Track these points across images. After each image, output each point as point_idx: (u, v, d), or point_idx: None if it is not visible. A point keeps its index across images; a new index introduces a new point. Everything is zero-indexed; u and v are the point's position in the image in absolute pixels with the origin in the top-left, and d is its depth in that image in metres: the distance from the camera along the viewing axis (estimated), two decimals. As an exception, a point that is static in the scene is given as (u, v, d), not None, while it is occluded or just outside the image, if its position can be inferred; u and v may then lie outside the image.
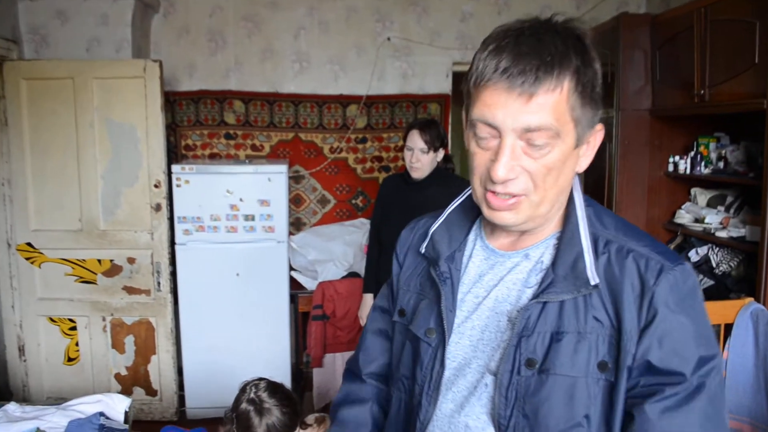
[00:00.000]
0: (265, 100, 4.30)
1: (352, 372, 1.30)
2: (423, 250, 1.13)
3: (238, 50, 4.27)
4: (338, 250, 4.03)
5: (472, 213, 1.12)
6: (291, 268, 3.93)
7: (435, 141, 2.91)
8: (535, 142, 0.90)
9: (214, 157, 4.29)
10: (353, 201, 4.51)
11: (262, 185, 3.67)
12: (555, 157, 0.92)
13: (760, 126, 3.41)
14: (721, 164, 3.43)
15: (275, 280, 3.75)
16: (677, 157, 3.62)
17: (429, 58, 4.44)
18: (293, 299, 3.88)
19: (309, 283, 3.90)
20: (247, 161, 3.96)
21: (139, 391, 3.71)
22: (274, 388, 2.04)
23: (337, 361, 3.76)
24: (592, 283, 0.93)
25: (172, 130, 4.21)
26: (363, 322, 3.26)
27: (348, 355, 3.82)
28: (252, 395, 2.02)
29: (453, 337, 1.03)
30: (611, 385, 0.91)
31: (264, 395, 2.02)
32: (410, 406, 1.09)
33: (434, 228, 1.14)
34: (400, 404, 1.13)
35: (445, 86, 4.49)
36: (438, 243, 1.10)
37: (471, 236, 1.11)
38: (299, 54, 4.34)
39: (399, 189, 3.09)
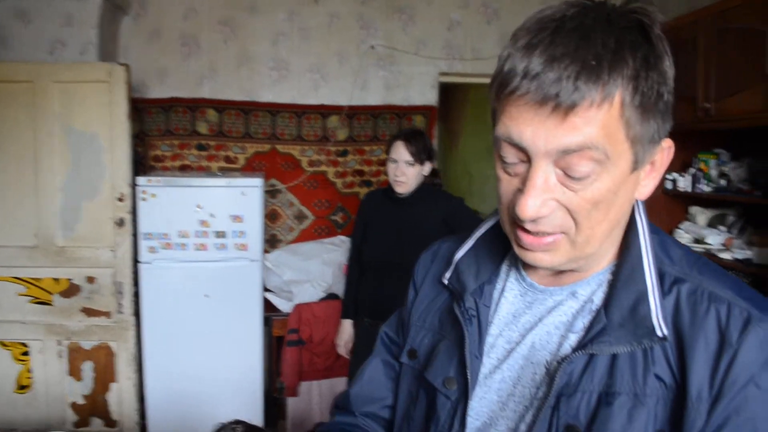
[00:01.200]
0: (241, 110, 4.06)
1: (341, 408, 1.05)
2: (446, 281, 0.93)
3: (213, 56, 4.03)
4: (316, 269, 3.78)
5: (506, 238, 0.85)
6: (265, 289, 3.67)
7: (422, 153, 2.69)
8: (575, 171, 0.69)
9: (184, 169, 4.03)
10: (332, 217, 4.27)
11: (235, 200, 3.41)
12: (603, 186, 0.71)
13: (764, 142, 3.25)
14: (723, 182, 3.25)
15: (248, 302, 3.49)
16: (675, 174, 3.44)
17: (414, 68, 4.24)
18: (267, 322, 3.62)
19: (284, 305, 3.65)
20: (219, 174, 3.71)
21: (97, 422, 3.41)
22: None
23: (313, 390, 3.50)
24: (659, 333, 0.72)
25: (139, 139, 3.95)
26: (341, 350, 3.01)
27: (327, 383, 3.58)
28: None
29: (478, 390, 0.84)
30: None
31: None
32: None
33: (460, 255, 0.93)
34: None
35: (430, 97, 4.28)
36: (464, 273, 0.90)
37: (504, 267, 0.90)
38: (278, 61, 4.11)
39: (382, 205, 2.86)
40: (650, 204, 2.88)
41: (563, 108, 0.67)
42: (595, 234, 0.74)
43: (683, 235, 3.41)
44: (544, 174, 0.70)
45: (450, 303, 0.91)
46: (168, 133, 3.99)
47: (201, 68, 4.02)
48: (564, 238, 0.74)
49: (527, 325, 0.84)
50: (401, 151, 2.66)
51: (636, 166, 0.73)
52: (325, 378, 3.51)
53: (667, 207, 3.52)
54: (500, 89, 0.71)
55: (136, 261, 3.37)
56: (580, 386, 0.75)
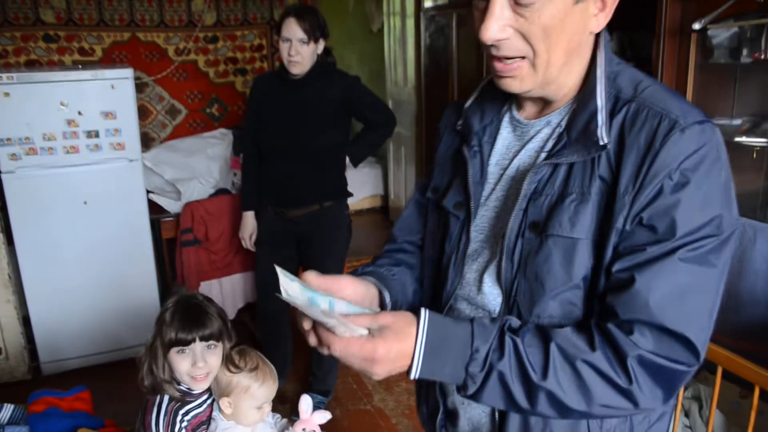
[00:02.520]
0: (91, -7, 3.59)
1: (389, 241, 1.26)
2: (459, 127, 1.11)
3: (49, -71, 3.47)
4: (200, 166, 3.57)
5: None
6: (147, 191, 3.42)
7: (315, 30, 2.53)
8: None
9: (32, 64, 3.54)
10: (208, 110, 4.01)
11: (104, 94, 3.07)
12: (548, 13, 0.84)
13: (634, 14, 3.41)
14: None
15: (131, 205, 3.24)
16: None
17: (282, -57, 3.94)
18: (154, 225, 3.40)
19: (171, 206, 3.44)
20: (79, 66, 3.30)
21: (-24, 352, 3.11)
22: None
23: (213, 288, 3.39)
24: (601, 143, 0.88)
25: (-29, 31, 3.39)
26: (246, 243, 2.91)
27: (227, 280, 3.48)
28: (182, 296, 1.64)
29: (480, 210, 1.03)
30: (600, 244, 0.87)
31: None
32: (437, 280, 1.08)
33: (468, 104, 1.10)
34: (430, 281, 1.13)
35: (302, -25, 4.03)
36: (470, 118, 1.07)
37: (504, 109, 1.07)
38: (128, -65, 3.63)
39: (275, 89, 2.69)
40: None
41: None
42: (551, 59, 0.88)
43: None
44: (499, 2, 0.84)
45: (461, 145, 1.08)
46: (7, 24, 3.44)
47: (36, -56, 3.46)
48: (526, 63, 0.88)
49: (514, 153, 1.01)
50: (294, 29, 2.49)
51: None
52: (225, 276, 3.41)
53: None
54: None
55: (-4, 172, 2.98)
56: (543, 191, 0.92)
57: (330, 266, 2.74)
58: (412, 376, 0.85)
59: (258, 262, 2.88)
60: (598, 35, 0.93)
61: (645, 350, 0.81)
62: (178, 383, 1.58)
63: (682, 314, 0.82)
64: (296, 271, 2.85)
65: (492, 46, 0.87)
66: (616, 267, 0.85)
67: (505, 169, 1.01)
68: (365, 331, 0.83)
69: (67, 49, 3.60)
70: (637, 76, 0.93)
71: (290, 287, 0.88)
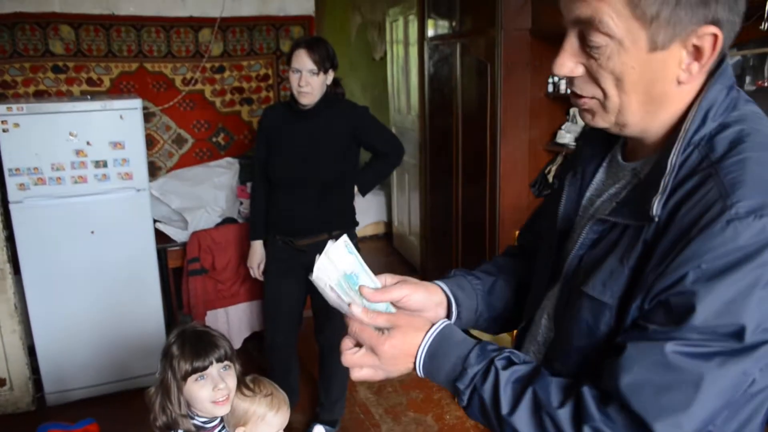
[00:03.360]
0: (100, 25, 3.63)
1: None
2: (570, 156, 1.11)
3: (59, -37, 3.53)
4: (207, 195, 3.58)
5: None
6: (154, 220, 3.42)
7: (325, 61, 2.54)
8: (590, 40, 0.81)
9: (40, 95, 3.57)
10: (214, 139, 4.03)
11: (113, 124, 3.09)
12: (620, 60, 0.81)
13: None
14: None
15: (138, 235, 3.24)
16: (556, 78, 3.58)
17: (288, -25, 4.00)
18: (160, 254, 3.40)
19: (178, 235, 3.44)
20: (88, 97, 3.33)
21: (-20, 382, 3.09)
22: None
23: (219, 318, 3.38)
24: (651, 213, 0.80)
25: (-19, 63, 3.43)
26: (254, 272, 2.90)
27: (234, 309, 3.47)
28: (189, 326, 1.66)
29: (573, 235, 1.00)
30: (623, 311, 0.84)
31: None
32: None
33: (586, 128, 1.08)
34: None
35: (307, 6, 4.09)
36: (585, 144, 1.05)
37: (618, 140, 1.01)
38: (136, -32, 3.69)
39: (284, 119, 2.70)
40: (533, 107, 3.00)
41: None
42: (624, 105, 0.84)
43: (564, 135, 3.60)
44: (571, 40, 0.84)
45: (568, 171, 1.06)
46: (16, 55, 3.48)
47: (46, -23, 3.51)
48: (596, 103, 0.86)
49: (600, 192, 0.98)
50: (304, 60, 2.51)
51: (654, 46, 0.79)
52: (231, 305, 3.40)
53: (548, 109, 3.68)
54: None
55: (4, 201, 2.99)
56: (598, 245, 0.89)
57: None
58: (418, 374, 0.94)
59: (266, 292, 2.87)
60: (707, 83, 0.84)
61: (605, 426, 0.78)
62: (192, 417, 1.57)
63: (656, 405, 0.75)
64: (304, 300, 2.84)
65: (569, 79, 0.87)
66: (621, 334, 0.82)
67: (591, 206, 0.98)
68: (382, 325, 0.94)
69: (75, 79, 3.63)
70: (745, 134, 0.80)
71: (340, 259, 1.00)
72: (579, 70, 0.85)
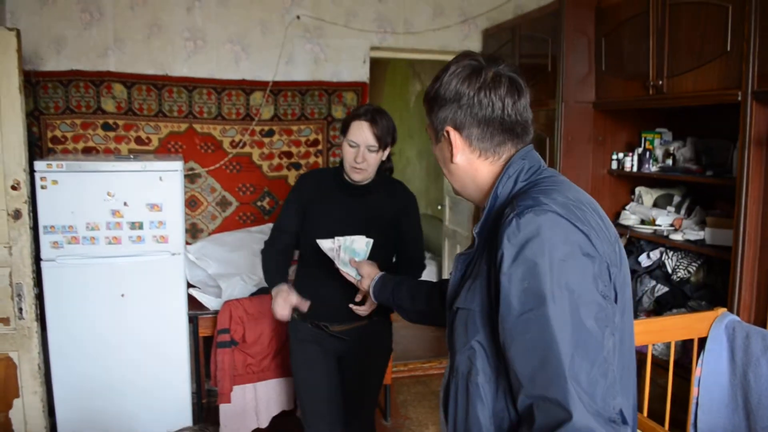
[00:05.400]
0: (152, 84, 3.63)
1: None
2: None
3: (119, 24, 3.56)
4: (245, 261, 3.44)
5: None
6: (188, 285, 3.30)
7: (386, 136, 2.26)
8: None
9: (89, 152, 3.57)
10: (259, 203, 3.93)
11: (151, 186, 3.01)
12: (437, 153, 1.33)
13: (707, 121, 3.20)
14: (669, 162, 3.18)
15: (170, 300, 3.11)
16: (621, 154, 3.35)
17: (344, 41, 3.95)
18: (191, 321, 3.26)
19: (211, 302, 3.29)
20: (131, 157, 3.28)
21: (-3, 445, 2.96)
22: None
23: (247, 394, 3.18)
24: (474, 233, 1.21)
25: (35, 118, 3.45)
26: (280, 315, 2.35)
27: (262, 386, 3.24)
28: None
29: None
30: (492, 315, 1.11)
31: None
32: None
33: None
34: None
35: (362, 73, 4.01)
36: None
37: None
38: (193, 31, 3.70)
39: (332, 190, 2.40)
40: (595, 185, 2.80)
41: None
42: (452, 179, 1.31)
43: (629, 216, 3.33)
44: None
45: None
46: (68, 111, 3.50)
47: (105, 38, 3.55)
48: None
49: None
50: (366, 135, 2.23)
51: (435, 140, 1.30)
52: (260, 380, 3.19)
53: (611, 188, 3.44)
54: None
55: (37, 258, 2.92)
56: (465, 275, 1.23)
57: (372, 383, 2.53)
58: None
59: (294, 371, 2.59)
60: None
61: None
62: None
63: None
64: (337, 385, 2.52)
65: None
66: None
67: None
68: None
69: (124, 137, 3.61)
70: (537, 181, 1.19)
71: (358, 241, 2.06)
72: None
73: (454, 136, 1.21)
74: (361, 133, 2.23)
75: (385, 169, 2.45)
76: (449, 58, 1.31)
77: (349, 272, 2.05)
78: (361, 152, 2.24)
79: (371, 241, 2.09)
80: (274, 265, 2.45)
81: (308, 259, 2.42)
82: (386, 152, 2.34)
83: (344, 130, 2.30)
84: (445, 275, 5.45)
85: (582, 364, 0.96)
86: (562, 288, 0.99)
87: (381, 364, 2.56)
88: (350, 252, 2.07)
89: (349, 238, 2.07)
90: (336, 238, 2.08)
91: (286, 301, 2.31)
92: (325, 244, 2.12)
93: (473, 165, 1.24)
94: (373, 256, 2.19)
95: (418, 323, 1.86)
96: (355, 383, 2.50)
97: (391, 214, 2.40)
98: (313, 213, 2.40)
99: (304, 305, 2.33)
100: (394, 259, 2.51)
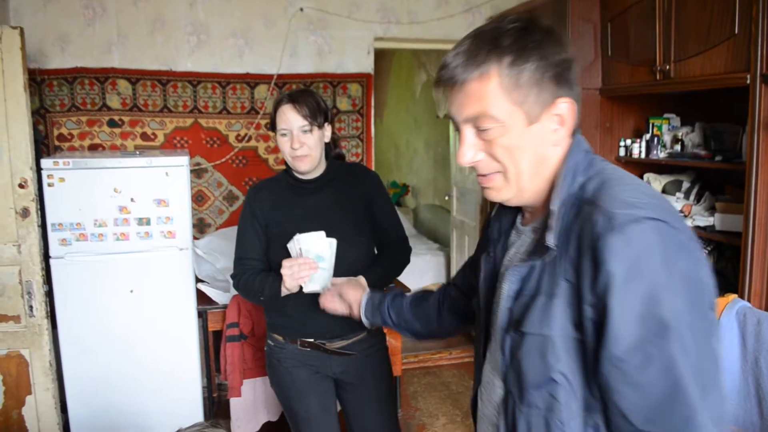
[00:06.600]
0: (157, 80, 3.63)
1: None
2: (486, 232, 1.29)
3: (122, 20, 3.56)
4: (253, 255, 3.43)
5: None
6: (197, 279, 3.31)
7: (316, 113, 2.04)
8: (482, 128, 1.01)
9: (95, 148, 3.57)
10: (265, 196, 3.93)
11: (158, 181, 3.02)
12: (508, 136, 1.00)
13: (715, 105, 3.17)
14: (677, 147, 3.15)
15: (179, 295, 3.12)
16: (628, 141, 3.32)
17: (348, 33, 3.93)
18: (200, 315, 3.27)
19: (220, 297, 3.30)
20: (137, 153, 3.28)
21: (10, 442, 2.99)
22: None
23: (257, 388, 3.19)
24: (547, 243, 0.99)
25: (40, 116, 3.46)
26: (294, 273, 1.94)
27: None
28: None
29: (494, 306, 1.16)
30: (582, 342, 0.95)
31: None
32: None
33: (493, 213, 1.27)
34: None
35: (366, 64, 4.00)
36: (492, 226, 1.25)
37: (517, 218, 1.20)
38: (196, 25, 3.69)
39: (284, 197, 2.16)
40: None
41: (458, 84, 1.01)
42: (519, 170, 1.03)
43: (638, 202, 3.31)
44: (467, 134, 1.04)
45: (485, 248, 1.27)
46: (74, 109, 3.51)
47: (108, 34, 3.55)
48: (500, 176, 1.05)
49: (511, 258, 1.14)
50: (292, 117, 2.02)
51: (531, 120, 1.00)
52: (270, 373, 3.20)
53: (619, 173, 3.41)
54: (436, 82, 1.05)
55: (46, 256, 2.93)
56: (523, 291, 1.04)
57: (382, 408, 2.27)
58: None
59: (293, 419, 2.26)
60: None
61: None
62: None
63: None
64: (337, 412, 2.29)
65: (472, 167, 1.07)
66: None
67: (506, 269, 1.13)
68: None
69: (129, 134, 3.62)
70: (605, 179, 0.99)
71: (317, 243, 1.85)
72: (479, 156, 1.04)
73: (571, 107, 1.01)
74: (287, 117, 2.04)
75: (335, 156, 2.25)
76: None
77: (313, 289, 1.88)
78: (295, 137, 2.03)
79: (334, 240, 1.90)
80: (257, 277, 2.12)
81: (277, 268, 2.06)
82: (326, 131, 2.12)
83: (272, 125, 2.12)
84: (454, 267, 5.42)
85: (713, 398, 0.87)
86: (687, 311, 0.86)
87: (387, 379, 2.31)
88: (314, 256, 1.86)
89: (302, 237, 1.87)
90: (293, 238, 1.90)
91: (293, 278, 1.94)
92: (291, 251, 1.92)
93: (558, 150, 1.05)
94: (353, 253, 2.07)
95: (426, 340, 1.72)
96: (360, 408, 2.25)
97: (359, 200, 2.19)
98: (272, 226, 2.15)
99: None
100: (375, 250, 2.29)
